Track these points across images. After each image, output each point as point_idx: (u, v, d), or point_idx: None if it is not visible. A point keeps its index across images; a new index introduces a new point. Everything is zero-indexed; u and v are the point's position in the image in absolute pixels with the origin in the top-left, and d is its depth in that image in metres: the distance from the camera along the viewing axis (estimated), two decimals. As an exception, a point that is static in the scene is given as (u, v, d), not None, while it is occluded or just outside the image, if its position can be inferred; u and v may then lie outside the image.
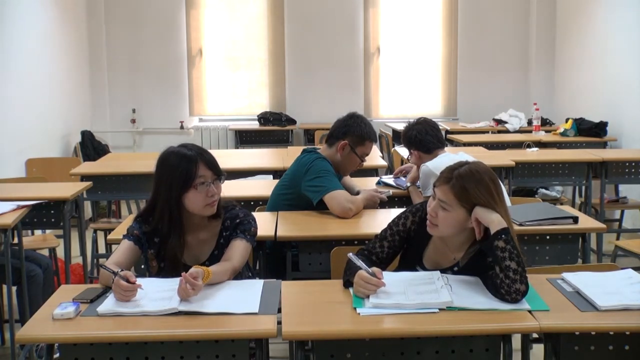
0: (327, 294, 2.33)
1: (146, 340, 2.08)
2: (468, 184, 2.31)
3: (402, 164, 4.74)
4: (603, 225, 3.34)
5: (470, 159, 3.04)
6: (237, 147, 7.95)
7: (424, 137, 3.65)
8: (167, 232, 2.50)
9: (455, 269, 2.43)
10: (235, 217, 2.58)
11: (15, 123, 5.88)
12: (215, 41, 8.25)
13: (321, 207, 3.37)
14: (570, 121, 6.58)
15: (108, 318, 2.14)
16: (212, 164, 2.52)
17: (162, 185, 2.50)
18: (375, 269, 2.27)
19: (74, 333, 2.06)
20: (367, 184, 3.97)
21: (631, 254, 4.28)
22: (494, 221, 2.27)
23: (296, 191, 3.44)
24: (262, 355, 2.14)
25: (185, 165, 2.47)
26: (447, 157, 3.51)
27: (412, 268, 2.49)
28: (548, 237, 3.18)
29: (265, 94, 8.35)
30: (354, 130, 3.51)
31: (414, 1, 8.28)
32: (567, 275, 2.41)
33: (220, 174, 2.54)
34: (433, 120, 3.83)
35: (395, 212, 2.82)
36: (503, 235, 2.25)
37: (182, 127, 8.21)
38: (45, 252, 4.41)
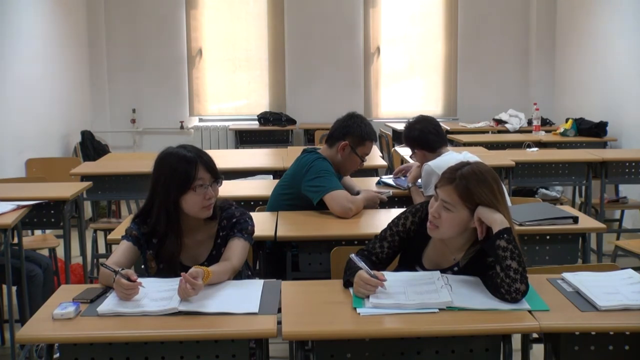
0: (327, 294, 2.33)
1: (146, 340, 2.08)
2: (471, 184, 2.31)
3: (402, 164, 4.74)
4: (603, 225, 3.34)
5: (474, 158, 3.05)
6: (237, 147, 7.95)
7: (427, 135, 3.63)
8: (164, 233, 2.50)
9: (455, 269, 2.43)
10: (231, 217, 2.58)
11: (15, 123, 5.88)
12: (215, 41, 8.25)
13: (321, 207, 3.37)
14: (570, 121, 6.58)
15: (108, 318, 2.14)
16: (210, 166, 2.52)
17: (159, 186, 2.49)
18: (376, 273, 2.27)
19: (74, 333, 2.06)
20: (367, 184, 3.97)
21: (631, 254, 4.28)
22: (497, 221, 2.28)
23: (296, 191, 3.44)
24: (262, 355, 2.14)
25: (185, 166, 2.47)
26: (449, 156, 3.50)
27: (412, 268, 2.49)
28: (548, 237, 3.18)
29: (265, 94, 8.35)
30: (354, 131, 3.51)
31: (414, 1, 8.28)
32: (567, 275, 2.41)
33: (218, 177, 2.54)
34: (432, 117, 3.81)
35: (396, 212, 2.82)
36: (505, 235, 2.25)
37: (182, 127, 8.21)
38: (45, 252, 4.40)
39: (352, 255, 2.35)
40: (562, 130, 6.56)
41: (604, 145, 6.40)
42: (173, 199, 2.47)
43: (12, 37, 5.90)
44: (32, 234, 4.96)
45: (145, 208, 2.55)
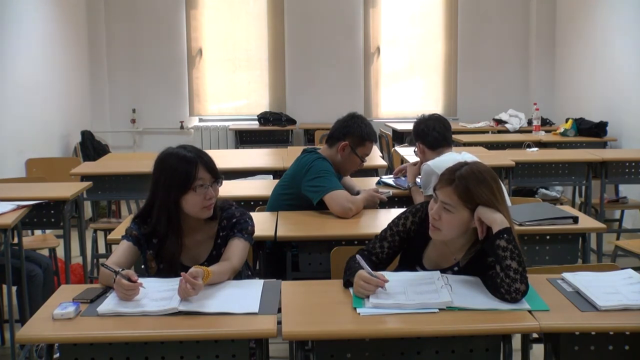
0: (327, 294, 2.33)
1: (146, 340, 2.08)
2: (471, 184, 2.31)
3: (402, 163, 4.74)
4: (603, 225, 3.33)
5: (473, 158, 3.04)
6: (237, 147, 7.95)
7: (430, 132, 3.65)
8: (165, 233, 2.50)
9: (456, 269, 2.43)
10: (231, 217, 2.58)
11: (15, 123, 5.88)
12: (215, 41, 8.26)
13: (321, 207, 3.37)
14: (570, 121, 6.58)
15: (108, 318, 2.14)
16: (211, 166, 2.52)
17: (160, 186, 2.49)
18: (377, 274, 2.27)
19: (74, 333, 2.06)
20: (367, 184, 3.97)
21: (631, 254, 4.28)
22: (497, 220, 2.28)
23: (296, 191, 3.44)
24: (262, 355, 2.14)
25: (185, 167, 2.47)
26: (449, 157, 3.50)
27: (412, 268, 2.49)
28: (548, 237, 3.18)
29: (265, 94, 8.36)
30: (355, 131, 3.52)
31: (414, 1, 8.28)
32: (567, 275, 2.41)
33: (218, 177, 2.55)
34: (446, 118, 3.81)
35: (395, 212, 2.82)
36: (505, 235, 2.25)
37: (182, 127, 8.21)
38: (45, 252, 4.40)
39: (357, 256, 2.36)
40: (562, 130, 6.56)
41: (604, 145, 6.40)
42: (173, 199, 2.47)
43: (12, 38, 5.90)
44: (32, 234, 4.96)
45: (146, 208, 2.55)
